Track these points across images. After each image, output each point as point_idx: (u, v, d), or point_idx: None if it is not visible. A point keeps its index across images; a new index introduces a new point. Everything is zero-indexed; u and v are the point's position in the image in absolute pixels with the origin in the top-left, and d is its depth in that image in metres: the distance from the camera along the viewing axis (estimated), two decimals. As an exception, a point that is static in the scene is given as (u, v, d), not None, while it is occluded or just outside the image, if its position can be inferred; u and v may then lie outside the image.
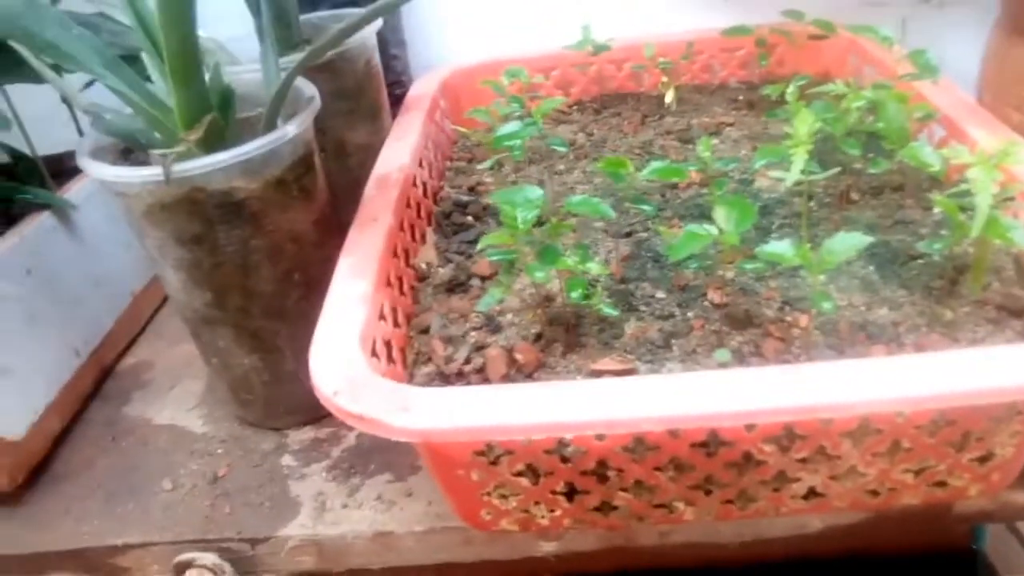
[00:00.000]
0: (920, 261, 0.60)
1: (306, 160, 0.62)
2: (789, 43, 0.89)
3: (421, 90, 0.90)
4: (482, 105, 0.79)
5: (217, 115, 0.60)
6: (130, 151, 0.65)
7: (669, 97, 0.89)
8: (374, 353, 0.53)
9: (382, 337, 0.55)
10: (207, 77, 0.60)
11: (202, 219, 0.58)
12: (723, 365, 0.52)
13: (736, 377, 0.45)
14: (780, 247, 0.50)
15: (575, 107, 0.96)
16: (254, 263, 0.61)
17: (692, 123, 0.87)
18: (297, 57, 0.62)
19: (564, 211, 0.60)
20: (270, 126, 0.61)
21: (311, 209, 0.63)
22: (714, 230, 0.52)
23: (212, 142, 0.59)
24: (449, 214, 0.75)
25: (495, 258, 0.54)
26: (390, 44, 0.99)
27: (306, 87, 0.66)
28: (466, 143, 0.90)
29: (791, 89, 0.71)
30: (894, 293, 0.57)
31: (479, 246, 0.55)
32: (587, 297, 0.54)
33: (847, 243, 0.49)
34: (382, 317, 0.56)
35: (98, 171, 0.57)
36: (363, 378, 0.48)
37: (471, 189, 0.80)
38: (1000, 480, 0.54)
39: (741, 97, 0.92)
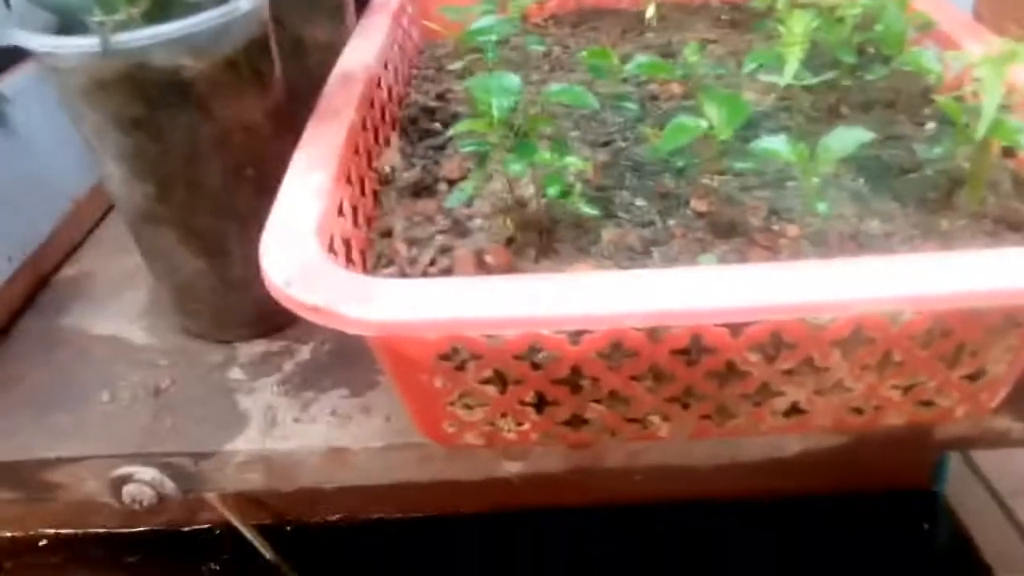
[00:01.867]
0: (914, 175, 0.57)
1: (260, 42, 0.57)
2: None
3: (388, -6, 0.84)
4: (443, 21, 0.74)
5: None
6: (67, 29, 0.59)
7: (650, 12, 0.85)
8: (331, 250, 0.48)
9: (340, 235, 0.50)
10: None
11: (144, 100, 0.53)
12: (706, 270, 0.49)
13: (724, 273, 0.41)
14: (774, 143, 0.47)
15: (550, 20, 0.91)
16: (201, 153, 0.56)
17: (673, 40, 0.82)
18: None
19: (540, 107, 0.56)
20: (220, 5, 0.56)
21: (265, 97, 0.58)
22: (704, 123, 0.49)
23: (157, 16, 0.53)
24: (415, 120, 0.70)
25: (468, 149, 0.50)
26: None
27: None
28: (434, 52, 0.85)
29: (782, -2, 0.67)
30: (886, 205, 0.54)
31: (451, 132, 0.51)
32: (565, 195, 0.50)
33: (846, 138, 0.45)
34: (341, 213, 0.52)
35: (30, 41, 0.52)
36: (319, 267, 0.43)
37: (439, 96, 0.75)
38: (987, 400, 0.51)
39: (724, 16, 0.88)
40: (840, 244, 0.51)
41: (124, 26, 0.51)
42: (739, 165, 0.50)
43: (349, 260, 0.51)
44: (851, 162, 0.57)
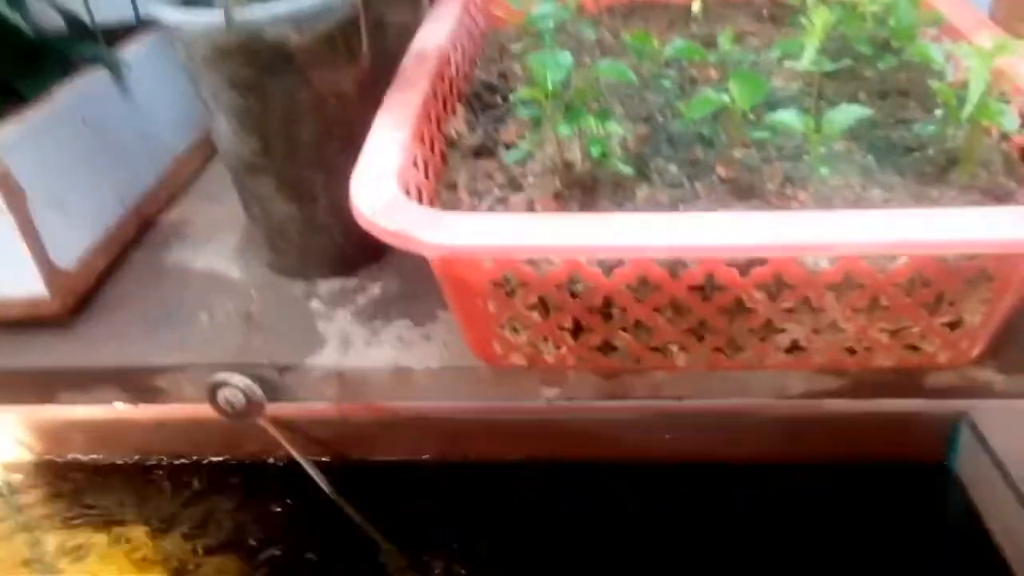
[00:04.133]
0: (916, 153, 0.64)
1: (353, 22, 0.67)
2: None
3: (459, -18, 0.93)
4: (509, 10, 0.83)
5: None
6: (188, 3, 0.69)
7: (696, 7, 0.93)
8: (407, 194, 0.58)
9: (414, 183, 0.60)
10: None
11: (255, 67, 0.63)
12: (725, 223, 0.57)
13: (735, 217, 0.50)
14: (786, 115, 0.55)
15: (604, 12, 0.99)
16: (299, 114, 0.66)
17: (716, 32, 0.90)
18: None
19: (588, 82, 0.65)
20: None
21: (354, 69, 0.68)
22: (727, 97, 0.57)
23: (268, -3, 0.63)
24: (479, 94, 0.80)
25: (525, 114, 0.59)
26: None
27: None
28: (497, 37, 0.94)
29: (812, -6, 0.75)
30: (888, 178, 0.62)
31: (512, 98, 0.60)
32: (605, 157, 0.59)
33: (848, 113, 0.53)
34: (415, 166, 0.61)
35: (166, 14, 0.62)
36: (398, 202, 0.53)
37: (500, 75, 0.84)
38: (967, 348, 0.59)
39: (765, 12, 0.95)
40: (844, 207, 0.59)
41: (243, 3, 0.61)
42: (756, 134, 0.58)
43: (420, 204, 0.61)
44: (861, 141, 0.65)
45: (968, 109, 0.54)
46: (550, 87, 0.58)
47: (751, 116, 0.63)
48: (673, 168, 0.65)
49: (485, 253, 0.51)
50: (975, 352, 0.60)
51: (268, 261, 0.78)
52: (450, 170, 0.68)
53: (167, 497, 1.19)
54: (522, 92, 0.58)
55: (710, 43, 0.87)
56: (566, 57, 0.60)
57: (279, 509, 1.16)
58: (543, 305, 0.57)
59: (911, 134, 0.66)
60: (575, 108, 0.59)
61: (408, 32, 0.80)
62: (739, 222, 0.49)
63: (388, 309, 0.72)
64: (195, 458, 1.19)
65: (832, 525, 1.09)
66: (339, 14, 0.65)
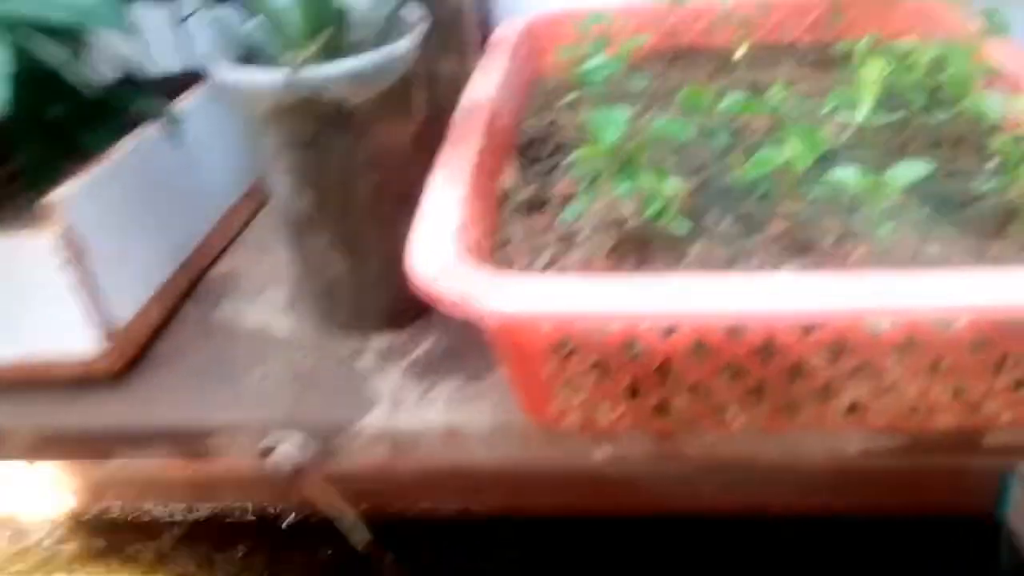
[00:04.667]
0: (972, 207, 0.64)
1: (409, 77, 0.68)
2: (862, 5, 0.92)
3: (506, 33, 0.95)
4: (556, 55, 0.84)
5: (334, 31, 0.66)
6: (246, 59, 0.71)
7: (740, 52, 0.93)
8: (465, 254, 0.58)
9: (471, 242, 0.60)
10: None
11: (314, 124, 0.64)
12: (782, 283, 0.57)
13: (795, 280, 0.49)
14: (845, 173, 0.54)
15: (646, 58, 1.00)
16: (355, 169, 0.67)
17: (760, 78, 0.90)
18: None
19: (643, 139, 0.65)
20: (379, 45, 0.67)
21: (410, 124, 0.69)
22: (784, 155, 0.57)
23: (328, 55, 0.64)
24: (528, 146, 0.80)
25: (581, 172, 0.59)
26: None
27: (411, 12, 0.71)
28: (544, 87, 0.95)
29: (861, 43, 0.74)
30: (946, 232, 0.61)
31: (571, 157, 0.60)
32: (660, 214, 0.59)
33: (909, 170, 0.53)
34: (472, 223, 0.62)
35: (231, 74, 0.64)
36: (457, 266, 0.53)
37: (550, 124, 0.84)
38: (1033, 408, 0.58)
39: (809, 57, 0.95)
40: (902, 264, 0.58)
41: (304, 62, 0.62)
42: (815, 192, 0.58)
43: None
44: (916, 194, 0.64)
45: (1032, 168, 0.53)
46: (607, 144, 0.59)
47: (805, 170, 0.63)
48: (727, 223, 0.65)
49: (547, 320, 0.51)
50: (1040, 411, 0.59)
51: (318, 316, 0.79)
52: (502, 226, 0.69)
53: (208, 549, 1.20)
54: (581, 151, 0.59)
55: (757, 90, 0.87)
56: (623, 114, 0.60)
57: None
58: (600, 367, 0.57)
59: (966, 187, 0.66)
60: (632, 165, 0.59)
61: (458, 83, 0.81)
62: (801, 284, 0.49)
63: (439, 364, 0.72)
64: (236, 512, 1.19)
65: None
66: (398, 72, 0.66)
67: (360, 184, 0.68)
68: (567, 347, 0.56)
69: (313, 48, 0.63)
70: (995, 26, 0.68)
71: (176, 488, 1.17)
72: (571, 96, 0.78)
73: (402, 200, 0.69)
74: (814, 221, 0.63)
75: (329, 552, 1.17)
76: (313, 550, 1.17)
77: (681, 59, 0.98)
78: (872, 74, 0.61)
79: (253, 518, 1.20)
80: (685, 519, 1.07)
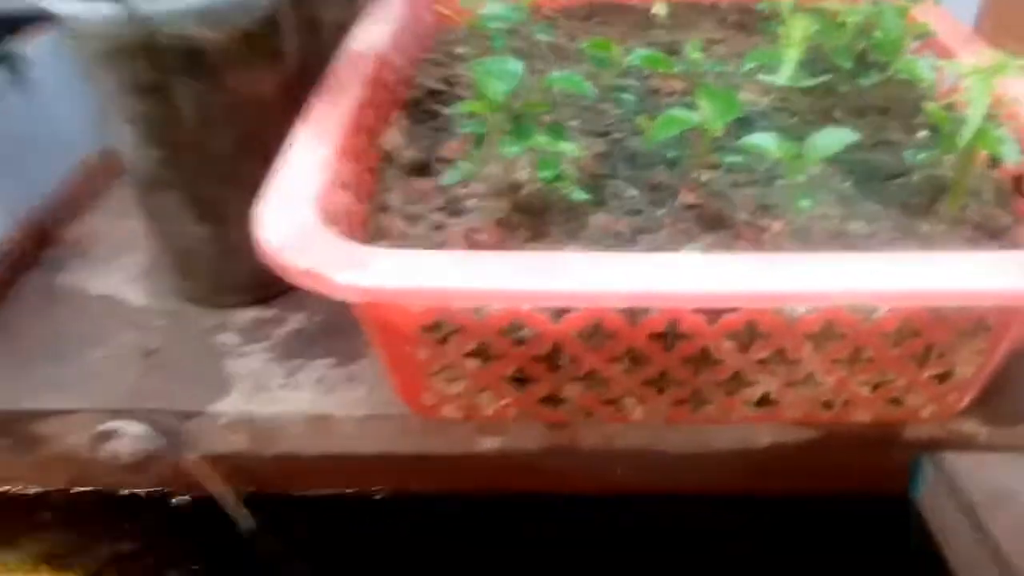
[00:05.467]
0: (899, 179, 0.58)
1: (276, 19, 0.58)
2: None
3: (402, -23, 0.85)
4: (457, 8, 0.75)
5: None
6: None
7: (659, 10, 0.86)
8: (329, 221, 0.50)
9: (339, 207, 0.52)
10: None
11: (159, 67, 0.55)
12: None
13: (704, 260, 0.43)
14: (763, 138, 0.48)
15: (561, 13, 0.92)
16: (211, 121, 0.58)
17: (680, 38, 0.84)
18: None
19: (541, 93, 0.57)
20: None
21: (277, 72, 0.60)
22: (696, 117, 0.50)
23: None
24: (420, 101, 0.72)
25: (467, 129, 0.51)
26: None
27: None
28: (444, 38, 0.86)
29: (786, 1, 0.68)
30: (871, 207, 0.55)
31: (452, 111, 0.52)
32: (557, 180, 0.51)
33: (833, 138, 0.47)
34: (340, 187, 0.53)
35: (54, 4, 0.53)
36: (313, 233, 0.45)
37: (445, 80, 0.76)
38: (955, 401, 0.53)
39: (732, 17, 0.89)
40: (823, 242, 0.52)
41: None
42: (729, 159, 0.51)
43: (345, 232, 0.53)
44: (841, 164, 0.59)
45: (966, 136, 0.48)
46: (496, 99, 0.51)
47: (720, 135, 0.56)
48: (633, 192, 0.58)
49: (414, 297, 0.43)
50: (963, 404, 0.54)
51: (176, 288, 0.69)
52: (383, 190, 0.60)
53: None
54: (464, 104, 0.51)
55: (674, 51, 0.80)
56: (515, 65, 0.52)
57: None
58: (482, 353, 0.50)
59: (894, 158, 0.60)
60: (524, 124, 0.52)
61: (345, 30, 0.72)
62: (708, 266, 0.42)
63: (308, 345, 0.64)
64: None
65: (788, 557, 1.03)
66: (260, 10, 0.57)
67: (216, 139, 0.58)
68: (442, 330, 0.48)
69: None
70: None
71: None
72: (469, 48, 0.70)
73: (268, 159, 0.60)
74: (728, 192, 0.57)
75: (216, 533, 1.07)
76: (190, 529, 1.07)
77: (597, 15, 0.91)
78: (796, 33, 0.55)
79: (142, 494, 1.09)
80: (586, 498, 1.01)
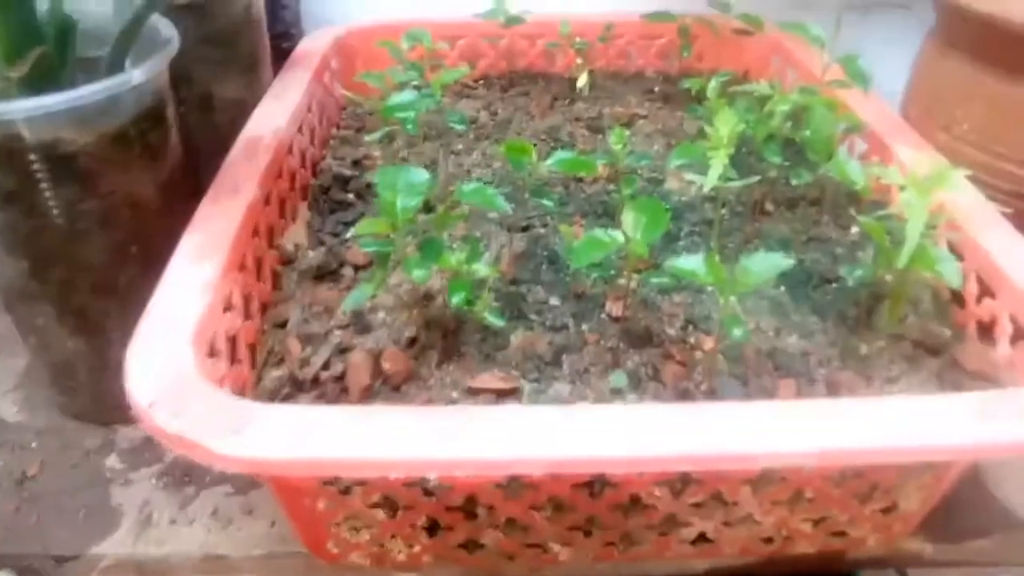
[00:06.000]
0: (834, 285, 0.55)
1: (155, 113, 0.53)
2: (712, 36, 0.83)
3: (311, 47, 0.80)
4: (377, 69, 0.70)
5: (49, 50, 0.50)
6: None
7: (582, 81, 0.83)
8: (212, 352, 0.44)
9: (226, 332, 0.46)
10: (46, 4, 0.50)
11: (21, 173, 0.48)
12: (617, 392, 0.46)
13: (627, 415, 0.38)
14: (690, 263, 0.44)
15: (481, 82, 0.88)
16: (83, 230, 0.51)
17: (604, 112, 0.80)
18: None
19: (455, 198, 0.52)
20: (114, 69, 0.52)
21: (158, 170, 0.54)
22: (620, 236, 0.46)
23: (41, 82, 0.49)
24: (327, 189, 0.67)
25: (370, 249, 0.46)
26: (280, -9, 0.88)
27: (164, 27, 0.56)
28: (356, 111, 0.81)
29: (713, 84, 0.65)
30: (805, 319, 0.52)
31: (352, 232, 0.47)
32: (471, 303, 0.47)
33: (765, 265, 0.43)
34: (229, 307, 0.48)
35: None
36: (189, 384, 0.39)
37: (356, 163, 0.71)
38: (901, 530, 0.50)
39: (657, 88, 0.86)
40: (757, 363, 0.49)
41: (2, 95, 0.46)
42: (654, 280, 0.47)
43: (235, 359, 0.47)
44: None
45: (904, 258, 0.45)
46: (400, 214, 0.46)
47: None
48: (555, 301, 0.54)
49: (299, 469, 0.38)
50: (909, 531, 0.51)
51: (55, 400, 0.62)
52: (282, 300, 0.55)
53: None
54: (362, 225, 0.46)
55: (597, 127, 0.77)
56: (419, 175, 0.47)
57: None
58: (389, 503, 0.44)
59: (827, 257, 0.57)
60: (433, 242, 0.47)
61: (244, 108, 0.67)
62: (632, 424, 0.38)
63: (203, 468, 0.57)
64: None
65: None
66: (134, 107, 0.51)
67: (89, 247, 0.52)
68: (344, 482, 0.43)
69: (15, 74, 0.47)
70: (855, 77, 0.60)
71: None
72: (381, 132, 0.65)
73: (150, 264, 0.54)
74: (656, 301, 0.53)
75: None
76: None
77: (518, 84, 0.87)
78: (723, 130, 0.52)
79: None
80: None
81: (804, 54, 0.76)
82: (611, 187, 0.67)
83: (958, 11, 0.66)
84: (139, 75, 0.49)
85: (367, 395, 0.46)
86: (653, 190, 0.66)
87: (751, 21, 0.77)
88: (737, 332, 0.43)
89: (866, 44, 0.92)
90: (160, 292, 0.45)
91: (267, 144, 0.61)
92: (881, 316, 0.52)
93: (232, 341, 0.48)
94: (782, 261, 0.43)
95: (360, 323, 0.52)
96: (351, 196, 0.66)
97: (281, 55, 0.80)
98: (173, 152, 0.56)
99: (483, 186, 0.48)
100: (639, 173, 0.67)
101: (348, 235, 0.59)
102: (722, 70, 0.73)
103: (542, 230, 0.61)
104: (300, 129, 0.68)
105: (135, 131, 0.51)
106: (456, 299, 0.46)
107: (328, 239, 0.61)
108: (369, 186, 0.67)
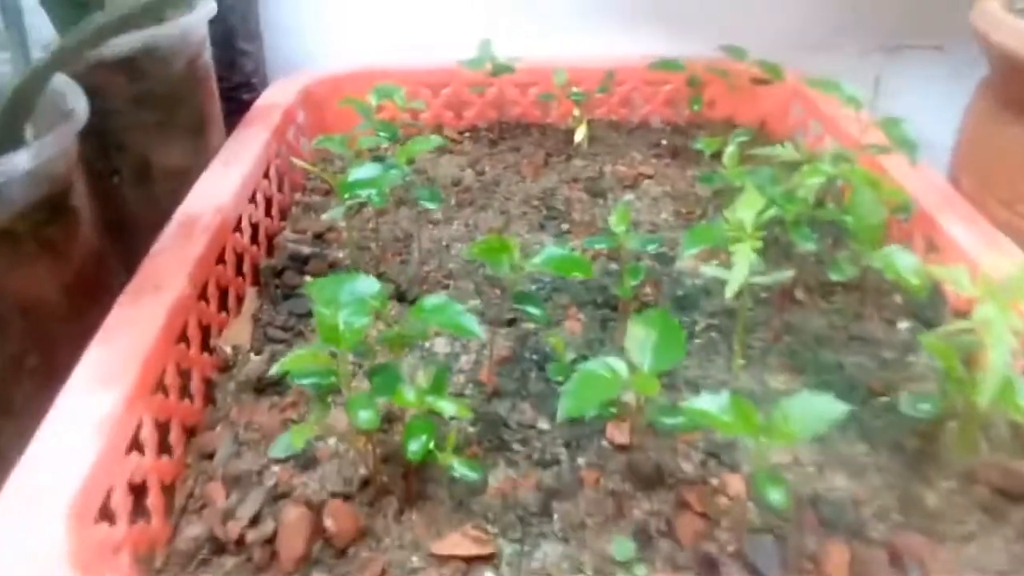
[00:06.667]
0: (884, 398, 0.45)
1: (54, 202, 0.44)
2: (724, 83, 0.73)
3: (273, 98, 0.71)
4: (344, 130, 0.61)
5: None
6: None
7: (580, 135, 0.73)
8: (104, 515, 0.34)
9: (130, 480, 0.37)
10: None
11: None
12: (622, 563, 0.36)
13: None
14: (711, 402, 0.34)
15: (467, 134, 0.78)
16: (-36, 343, 0.42)
17: (605, 170, 0.71)
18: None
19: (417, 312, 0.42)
20: (2, 150, 0.43)
21: (60, 270, 0.45)
22: (623, 367, 0.36)
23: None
24: (281, 272, 0.57)
25: (304, 383, 0.37)
26: (239, 36, 0.78)
27: (72, 94, 0.46)
28: (327, 168, 0.72)
29: (730, 149, 0.55)
30: (853, 448, 0.43)
31: (276, 368, 0.36)
32: (431, 453, 0.37)
33: (812, 412, 0.33)
34: (135, 447, 0.38)
35: None
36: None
37: (319, 236, 0.62)
38: None
39: (664, 141, 0.77)
40: (798, 514, 0.39)
41: None
42: (668, 421, 0.37)
43: (140, 512, 0.38)
44: (805, 366, 0.46)
45: (987, 395, 0.35)
46: (344, 335, 0.36)
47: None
48: (544, 424, 0.44)
49: None
50: None
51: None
52: (214, 419, 0.45)
53: None
54: (292, 359, 0.36)
55: (596, 190, 0.68)
56: (369, 286, 0.38)
57: None
58: None
59: (874, 363, 0.48)
60: (387, 371, 0.37)
61: (188, 177, 0.57)
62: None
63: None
64: None
65: None
66: (23, 198, 0.42)
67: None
68: None
69: None
70: (900, 143, 0.50)
71: None
72: (342, 208, 0.55)
73: (53, 376, 0.45)
74: (665, 436, 0.43)
75: None
76: None
77: (508, 138, 0.77)
78: (749, 216, 0.42)
79: None
80: None
81: (829, 104, 0.67)
82: (612, 265, 0.57)
83: (1015, 65, 0.56)
84: (26, 160, 0.40)
85: (302, 565, 0.36)
86: (663, 271, 0.56)
87: (770, 69, 0.67)
88: (776, 497, 0.33)
89: (896, 88, 0.83)
90: (37, 440, 0.35)
91: (206, 224, 0.51)
92: (946, 445, 0.42)
93: (141, 487, 0.38)
94: (833, 407, 0.33)
95: (304, 455, 0.42)
96: (308, 279, 0.57)
97: (241, 107, 0.70)
98: (82, 246, 0.46)
99: (449, 302, 0.38)
100: (647, 251, 0.57)
101: (306, 328, 0.50)
102: (737, 122, 0.63)
103: (531, 325, 0.52)
104: (253, 198, 0.59)
105: (25, 227, 0.42)
106: (415, 446, 0.36)
107: (277, 334, 0.51)
108: (332, 266, 0.58)
